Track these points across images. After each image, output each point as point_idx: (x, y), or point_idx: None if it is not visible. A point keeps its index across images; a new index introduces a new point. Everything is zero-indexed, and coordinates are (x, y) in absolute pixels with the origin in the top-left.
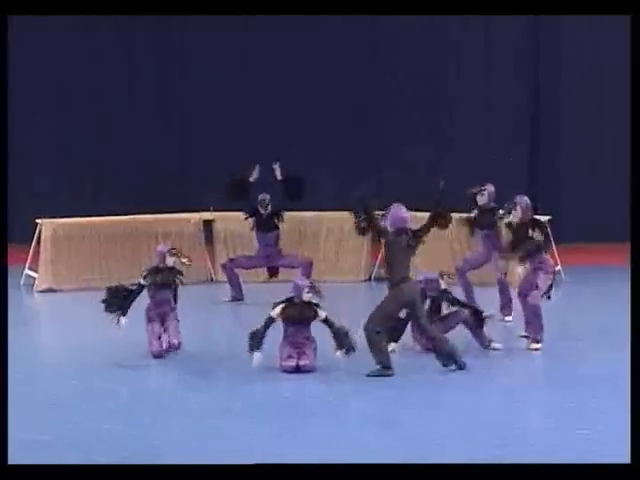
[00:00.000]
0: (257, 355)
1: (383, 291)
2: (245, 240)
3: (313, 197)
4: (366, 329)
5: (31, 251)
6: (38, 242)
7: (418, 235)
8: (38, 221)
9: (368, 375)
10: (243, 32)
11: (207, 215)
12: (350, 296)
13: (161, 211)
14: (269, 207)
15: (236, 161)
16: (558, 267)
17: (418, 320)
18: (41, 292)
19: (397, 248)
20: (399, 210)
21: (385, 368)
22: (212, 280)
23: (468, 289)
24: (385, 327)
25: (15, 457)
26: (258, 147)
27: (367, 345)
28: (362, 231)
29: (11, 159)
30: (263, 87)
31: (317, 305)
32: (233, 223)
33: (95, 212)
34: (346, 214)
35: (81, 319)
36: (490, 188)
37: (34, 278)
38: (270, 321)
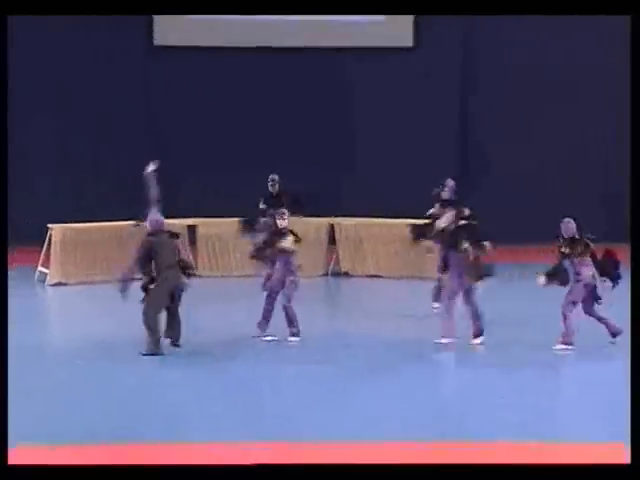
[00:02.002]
0: None
1: (339, 284)
2: (222, 242)
3: None
4: (145, 314)
5: (43, 251)
6: (49, 244)
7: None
8: (49, 226)
9: (143, 354)
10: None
11: (190, 221)
12: (311, 289)
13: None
14: (277, 186)
15: (218, 171)
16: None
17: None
18: (52, 286)
19: (159, 246)
20: (155, 215)
21: (157, 347)
22: (195, 275)
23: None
24: (160, 311)
25: (21, 435)
26: (243, 158)
27: (146, 328)
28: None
29: (19, 163)
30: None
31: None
32: (213, 228)
33: (95, 216)
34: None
35: (84, 308)
36: (450, 183)
37: (46, 274)
38: None
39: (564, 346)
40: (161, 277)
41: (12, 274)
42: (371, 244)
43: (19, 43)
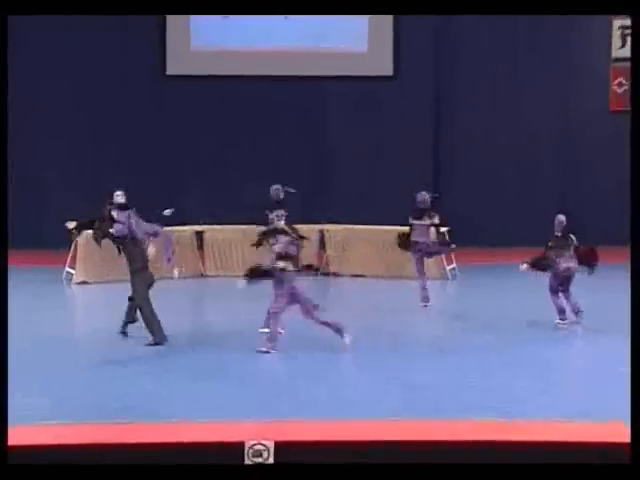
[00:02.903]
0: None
1: (328, 283)
2: (227, 247)
3: None
4: (142, 309)
5: (70, 254)
6: (75, 247)
7: None
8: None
9: (151, 344)
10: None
11: (198, 227)
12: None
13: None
14: (280, 195)
15: (221, 185)
16: (453, 265)
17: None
18: (77, 284)
19: (131, 246)
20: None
21: (162, 336)
22: (202, 275)
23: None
24: (150, 304)
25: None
26: (243, 173)
27: (146, 324)
28: None
29: (54, 183)
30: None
31: None
32: (218, 234)
33: None
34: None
35: (104, 303)
36: (423, 195)
37: (72, 274)
38: None
39: (561, 322)
40: (139, 277)
41: (44, 274)
42: (356, 247)
43: (30, 65)
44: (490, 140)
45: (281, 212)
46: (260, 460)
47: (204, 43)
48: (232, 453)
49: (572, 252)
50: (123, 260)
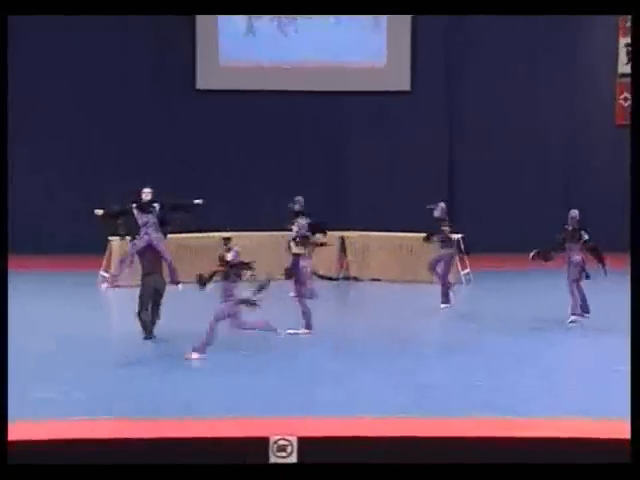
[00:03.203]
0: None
1: (350, 288)
2: (252, 252)
3: None
4: (139, 313)
5: (105, 259)
6: (110, 253)
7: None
8: (110, 239)
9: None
10: None
11: (225, 234)
12: (326, 290)
13: (188, 230)
14: (296, 206)
15: (247, 194)
16: (467, 270)
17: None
18: (110, 287)
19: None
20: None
21: (148, 332)
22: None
23: (439, 279)
24: (147, 307)
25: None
26: (268, 184)
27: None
28: None
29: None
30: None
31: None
32: (244, 240)
33: None
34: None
35: (133, 305)
36: (442, 205)
37: (106, 277)
38: None
39: (574, 317)
40: (144, 280)
41: (81, 277)
42: (374, 253)
43: (59, 82)
44: (501, 152)
45: (303, 222)
46: (284, 454)
47: (232, 59)
48: (257, 448)
49: (581, 246)
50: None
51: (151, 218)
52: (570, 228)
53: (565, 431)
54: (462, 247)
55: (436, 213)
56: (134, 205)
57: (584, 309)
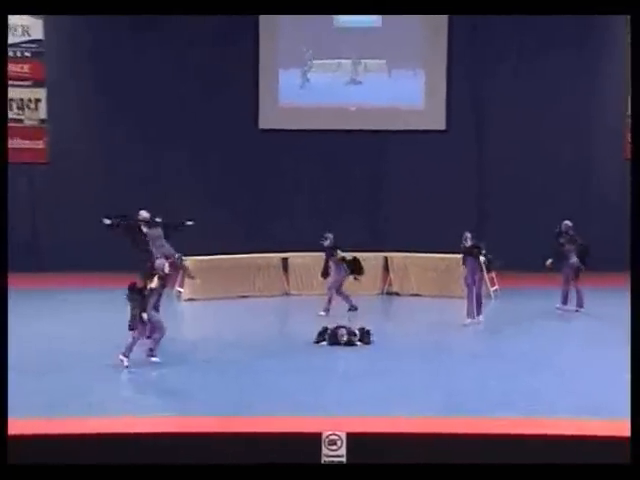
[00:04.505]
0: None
1: (392, 301)
2: (307, 271)
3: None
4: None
5: (180, 276)
6: (184, 270)
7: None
8: (184, 257)
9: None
10: None
11: (283, 254)
12: (371, 304)
13: (253, 251)
14: (327, 242)
15: (302, 219)
16: (496, 287)
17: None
18: (185, 301)
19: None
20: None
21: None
22: (287, 294)
23: (470, 296)
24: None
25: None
26: (317, 213)
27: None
28: None
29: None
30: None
31: None
32: (299, 260)
33: (214, 250)
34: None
35: (208, 317)
36: (467, 234)
37: (181, 292)
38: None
39: (561, 308)
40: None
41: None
42: (413, 271)
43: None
44: (524, 186)
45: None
46: (334, 448)
47: (289, 101)
48: (311, 442)
49: (576, 249)
50: (225, 280)
51: (160, 232)
52: (568, 236)
53: (565, 430)
54: (490, 266)
55: (465, 243)
56: (140, 222)
57: (579, 304)
